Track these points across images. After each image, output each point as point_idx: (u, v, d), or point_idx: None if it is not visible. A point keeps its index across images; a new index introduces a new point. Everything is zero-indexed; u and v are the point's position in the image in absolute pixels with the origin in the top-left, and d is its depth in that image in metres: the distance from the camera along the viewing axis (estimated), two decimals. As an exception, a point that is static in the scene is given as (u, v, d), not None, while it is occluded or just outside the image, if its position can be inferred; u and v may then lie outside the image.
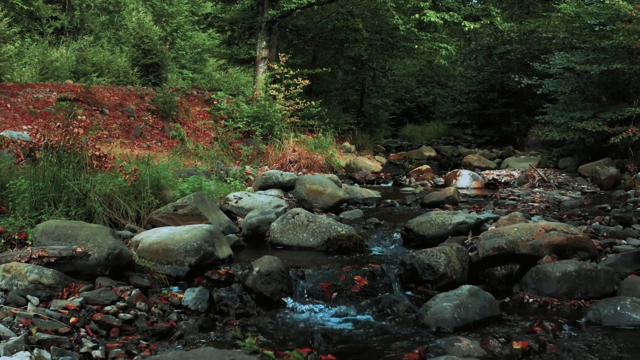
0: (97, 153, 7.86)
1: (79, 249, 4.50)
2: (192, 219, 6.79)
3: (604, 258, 5.61)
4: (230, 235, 6.30)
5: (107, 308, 4.16)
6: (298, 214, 6.25)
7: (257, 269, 4.84)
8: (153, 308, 4.32)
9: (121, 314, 4.11)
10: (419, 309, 4.43)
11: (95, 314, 4.09)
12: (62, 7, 25.35)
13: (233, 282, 5.00)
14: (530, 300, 4.89)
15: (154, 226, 6.78)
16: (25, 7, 20.53)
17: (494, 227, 6.02)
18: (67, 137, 7.45)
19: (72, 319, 3.95)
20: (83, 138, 8.69)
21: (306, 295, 4.82)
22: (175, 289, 4.91)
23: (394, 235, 6.40)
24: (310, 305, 4.69)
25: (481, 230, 6.24)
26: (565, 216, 7.46)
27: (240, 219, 7.20)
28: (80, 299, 4.23)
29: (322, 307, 4.69)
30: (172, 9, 25.99)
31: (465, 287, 4.44)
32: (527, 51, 17.41)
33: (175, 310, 4.41)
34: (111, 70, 19.51)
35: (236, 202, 7.42)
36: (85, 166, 7.20)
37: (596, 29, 12.38)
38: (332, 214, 7.48)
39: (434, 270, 5.02)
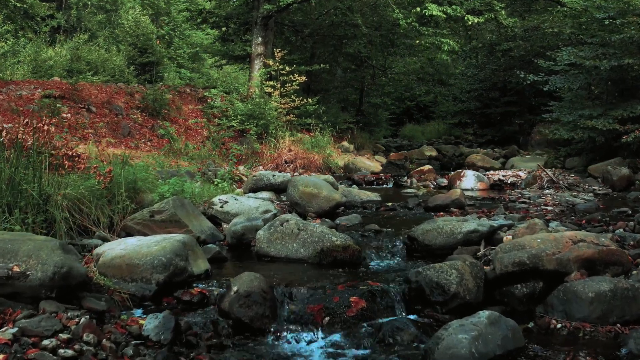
0: (69, 152, 7.04)
1: (16, 268, 3.64)
2: (171, 225, 5.95)
3: (634, 272, 4.74)
4: (210, 245, 5.43)
5: (46, 342, 3.30)
6: (287, 221, 5.38)
7: (235, 288, 3.99)
8: (104, 340, 3.45)
9: (62, 350, 3.25)
10: (428, 341, 3.56)
11: (30, 349, 3.23)
12: (59, 6, 24.52)
13: (208, 304, 4.14)
14: (558, 325, 4.03)
15: (128, 234, 5.96)
16: (19, 5, 19.69)
17: (509, 237, 5.17)
18: (36, 135, 6.65)
19: (0, 357, 3.11)
20: (57, 137, 7.90)
21: (293, 321, 3.95)
22: (139, 312, 4.06)
23: (396, 245, 5.53)
24: (298, 334, 3.82)
25: (494, 239, 5.39)
26: (584, 221, 6.60)
27: (225, 226, 6.35)
28: (15, 329, 3.37)
29: (312, 335, 3.82)
30: (169, 7, 25.14)
31: (484, 314, 3.58)
32: (530, 48, 16.56)
33: (133, 342, 3.54)
34: (106, 69, 18.69)
35: (221, 207, 6.57)
36: (53, 167, 6.40)
37: (606, 22, 11.53)
38: (327, 220, 6.61)
39: (444, 290, 4.16)
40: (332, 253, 5.02)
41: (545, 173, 10.64)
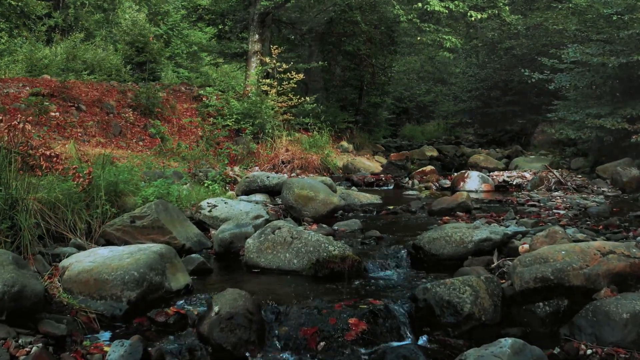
0: (47, 152, 6.46)
1: (-45, 288, 3.06)
2: (153, 232, 5.37)
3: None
4: (194, 255, 4.84)
5: (-15, 378, 2.73)
6: (279, 228, 4.79)
7: (216, 309, 3.40)
8: (57, 375, 2.88)
9: (3, 389, 2.68)
10: (441, 375, 2.99)
11: (-35, 388, 2.66)
12: (56, 5, 23.92)
13: (185, 326, 3.56)
14: (588, 351, 3.44)
15: (108, 241, 5.39)
16: (13, 3, 19.11)
17: (525, 246, 4.58)
18: (11, 134, 6.09)
19: None
20: (35, 135, 7.33)
21: (282, 347, 3.36)
22: (106, 335, 3.47)
23: (400, 254, 4.93)
24: (288, 363, 3.24)
25: (508, 248, 4.81)
26: (601, 227, 6.00)
27: (213, 232, 5.76)
28: (-50, 362, 2.80)
29: (304, 365, 3.24)
30: (167, 7, 24.57)
31: (507, 343, 2.99)
32: (533, 46, 15.97)
33: (93, 376, 2.97)
34: (103, 68, 18.13)
35: (209, 211, 5.97)
36: (29, 168, 5.84)
37: (614, 18, 10.94)
38: (324, 225, 6.00)
39: (457, 310, 3.57)
40: (329, 264, 4.44)
41: (552, 174, 10.06)
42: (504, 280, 4.08)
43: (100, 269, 3.78)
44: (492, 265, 4.41)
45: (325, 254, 4.50)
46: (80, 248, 5.00)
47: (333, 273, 4.42)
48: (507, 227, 5.41)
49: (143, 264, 3.78)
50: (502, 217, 6.46)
